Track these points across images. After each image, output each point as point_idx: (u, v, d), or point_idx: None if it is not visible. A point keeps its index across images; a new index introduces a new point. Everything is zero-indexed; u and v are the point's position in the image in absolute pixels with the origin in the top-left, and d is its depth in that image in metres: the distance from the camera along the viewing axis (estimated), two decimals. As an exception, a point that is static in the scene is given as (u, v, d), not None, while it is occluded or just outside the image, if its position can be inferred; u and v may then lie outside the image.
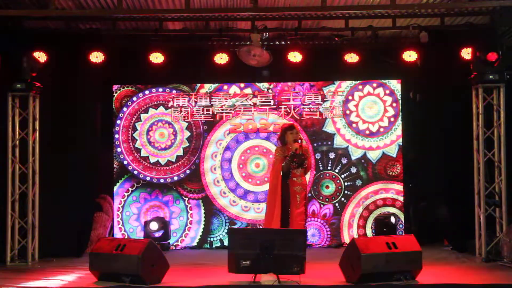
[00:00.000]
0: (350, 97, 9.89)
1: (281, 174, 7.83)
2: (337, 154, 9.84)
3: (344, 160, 9.83)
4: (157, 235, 9.45)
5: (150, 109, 9.97)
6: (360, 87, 9.89)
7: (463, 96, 8.74)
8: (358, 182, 9.79)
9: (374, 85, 9.88)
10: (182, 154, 9.94)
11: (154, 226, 9.48)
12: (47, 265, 8.24)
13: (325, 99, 9.86)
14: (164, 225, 9.56)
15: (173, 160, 9.93)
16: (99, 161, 9.48)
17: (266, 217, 8.00)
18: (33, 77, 8.42)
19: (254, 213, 9.89)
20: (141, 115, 9.96)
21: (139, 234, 9.81)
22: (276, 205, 7.81)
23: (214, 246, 9.82)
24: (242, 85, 9.94)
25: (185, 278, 7.14)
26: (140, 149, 9.95)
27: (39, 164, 8.62)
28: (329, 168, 9.84)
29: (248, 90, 9.93)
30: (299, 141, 7.83)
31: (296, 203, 7.80)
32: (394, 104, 9.85)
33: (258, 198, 9.88)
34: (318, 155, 9.85)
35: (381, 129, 9.80)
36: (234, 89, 9.96)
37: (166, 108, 9.96)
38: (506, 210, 8.31)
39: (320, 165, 9.86)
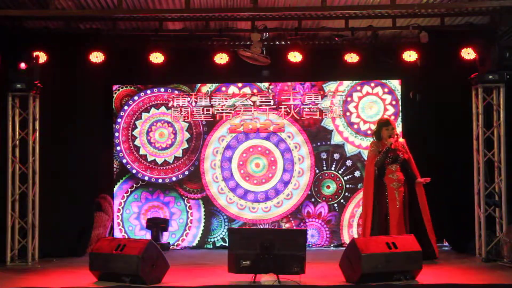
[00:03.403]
0: (349, 97, 9.90)
1: (376, 171, 7.91)
2: (336, 154, 9.84)
3: (348, 162, 9.83)
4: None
5: (150, 109, 9.97)
6: (359, 88, 9.90)
7: (463, 96, 8.74)
8: (360, 185, 9.78)
9: (372, 84, 9.89)
10: (182, 154, 9.94)
11: (165, 236, 9.68)
12: (47, 265, 8.24)
13: (325, 99, 9.87)
14: (165, 225, 9.67)
15: (173, 160, 9.94)
16: (99, 161, 9.48)
17: (361, 213, 8.17)
18: (33, 77, 8.41)
19: (249, 212, 9.90)
20: (141, 115, 9.97)
21: (138, 233, 9.83)
22: (368, 203, 7.92)
23: (212, 247, 9.81)
24: (240, 84, 9.94)
25: (185, 278, 7.15)
26: (140, 148, 9.96)
27: (39, 164, 8.62)
28: (332, 168, 9.85)
29: (248, 90, 9.93)
30: (395, 136, 7.92)
31: (395, 198, 7.79)
32: (394, 102, 9.86)
33: (258, 198, 9.90)
34: (324, 155, 9.87)
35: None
36: (234, 89, 9.96)
37: (166, 108, 9.97)
38: (506, 210, 8.31)
39: (324, 165, 9.87)
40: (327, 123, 9.87)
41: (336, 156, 9.85)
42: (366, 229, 7.91)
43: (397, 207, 7.80)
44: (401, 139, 8.19)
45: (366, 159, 8.34)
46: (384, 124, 8.03)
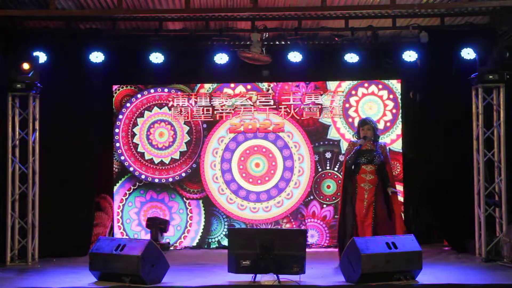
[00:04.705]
0: (349, 97, 9.89)
1: (350, 170, 7.81)
2: (337, 154, 9.85)
3: (342, 158, 9.83)
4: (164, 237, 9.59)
5: (150, 109, 9.97)
6: (353, 91, 9.90)
7: (463, 96, 8.74)
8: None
9: (366, 84, 9.89)
10: (182, 154, 9.94)
11: (164, 239, 9.62)
12: (47, 265, 8.24)
13: (324, 99, 9.87)
14: (164, 226, 9.65)
15: (173, 160, 9.93)
16: (99, 161, 9.48)
17: (339, 210, 8.08)
18: (33, 77, 8.40)
19: (250, 212, 9.90)
20: (141, 115, 9.97)
21: (134, 228, 9.86)
22: (341, 201, 7.92)
23: (218, 245, 9.82)
24: (233, 85, 9.94)
25: (185, 278, 7.15)
26: (141, 150, 9.95)
27: (39, 164, 8.62)
28: (332, 168, 9.85)
29: (248, 90, 9.94)
30: (369, 138, 7.76)
31: (363, 198, 7.68)
32: (392, 96, 9.87)
33: (260, 198, 9.90)
34: (316, 157, 9.87)
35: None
36: (234, 88, 9.96)
37: (166, 108, 9.96)
38: (506, 210, 8.31)
39: (319, 166, 9.88)
40: (333, 134, 9.86)
41: (338, 157, 9.84)
42: (339, 228, 7.92)
43: (363, 207, 7.68)
44: (382, 141, 8.09)
45: None
46: (360, 124, 7.95)
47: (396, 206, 7.82)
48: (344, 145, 9.76)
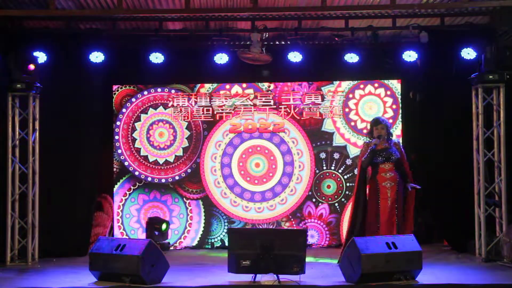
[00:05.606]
0: (347, 101, 9.88)
1: (369, 170, 7.86)
2: (336, 153, 9.83)
3: (348, 162, 9.81)
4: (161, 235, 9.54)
5: (150, 109, 9.98)
6: (350, 95, 9.90)
7: (463, 96, 8.74)
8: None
9: (362, 86, 9.88)
10: (182, 154, 9.94)
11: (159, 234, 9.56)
12: (47, 265, 8.24)
13: (324, 99, 9.87)
14: (160, 226, 9.61)
15: (173, 160, 9.93)
16: (99, 161, 9.47)
17: (351, 210, 8.10)
18: (33, 77, 8.41)
19: (242, 210, 9.89)
20: (141, 115, 9.97)
21: (132, 224, 9.87)
22: (353, 203, 7.94)
23: (214, 246, 9.82)
24: (228, 86, 9.94)
25: (185, 278, 7.15)
26: (140, 149, 9.95)
27: (39, 164, 8.62)
28: (332, 168, 9.85)
29: (249, 90, 9.94)
30: (383, 136, 7.82)
31: (387, 197, 7.71)
32: (394, 105, 9.86)
33: (255, 198, 9.89)
34: (323, 155, 9.88)
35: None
36: (234, 89, 9.96)
37: (166, 108, 9.97)
38: (506, 210, 8.32)
39: (323, 165, 9.87)
40: (338, 140, 9.84)
41: (336, 156, 9.85)
42: (348, 227, 7.95)
43: (388, 204, 7.71)
44: (395, 139, 8.17)
45: None
46: (373, 124, 7.99)
47: (412, 202, 7.92)
48: (350, 149, 9.78)
